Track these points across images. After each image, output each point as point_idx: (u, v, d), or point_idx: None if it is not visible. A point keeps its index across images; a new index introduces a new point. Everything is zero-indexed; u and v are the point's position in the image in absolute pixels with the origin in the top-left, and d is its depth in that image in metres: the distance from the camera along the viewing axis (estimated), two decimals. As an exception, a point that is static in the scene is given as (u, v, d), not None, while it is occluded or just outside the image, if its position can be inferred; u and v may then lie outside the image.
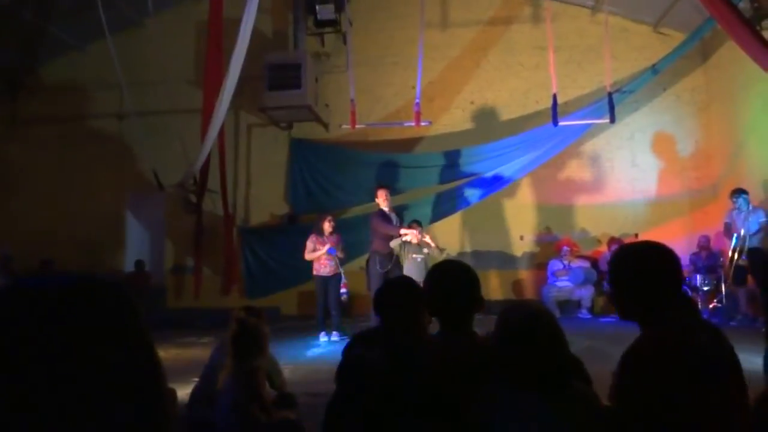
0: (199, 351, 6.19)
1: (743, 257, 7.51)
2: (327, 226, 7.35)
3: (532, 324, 1.74)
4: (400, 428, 2.13)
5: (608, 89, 7.86)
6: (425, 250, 6.75)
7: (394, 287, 2.54)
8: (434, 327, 2.39)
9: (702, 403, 1.57)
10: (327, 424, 2.48)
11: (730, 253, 7.73)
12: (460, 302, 2.11)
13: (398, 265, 6.91)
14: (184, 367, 5.24)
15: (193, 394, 3.48)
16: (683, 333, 1.68)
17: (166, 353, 6.62)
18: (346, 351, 2.51)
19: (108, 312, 0.72)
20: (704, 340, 1.67)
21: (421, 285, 2.36)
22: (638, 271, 1.78)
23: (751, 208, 7.62)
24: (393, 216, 7.14)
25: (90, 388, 0.68)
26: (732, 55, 8.59)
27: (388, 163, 9.70)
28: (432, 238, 7.11)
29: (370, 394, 2.29)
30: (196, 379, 3.67)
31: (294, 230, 9.78)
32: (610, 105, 7.73)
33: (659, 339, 1.67)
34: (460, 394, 1.95)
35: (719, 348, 1.68)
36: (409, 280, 2.64)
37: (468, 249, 9.76)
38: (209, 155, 8.78)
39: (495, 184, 9.16)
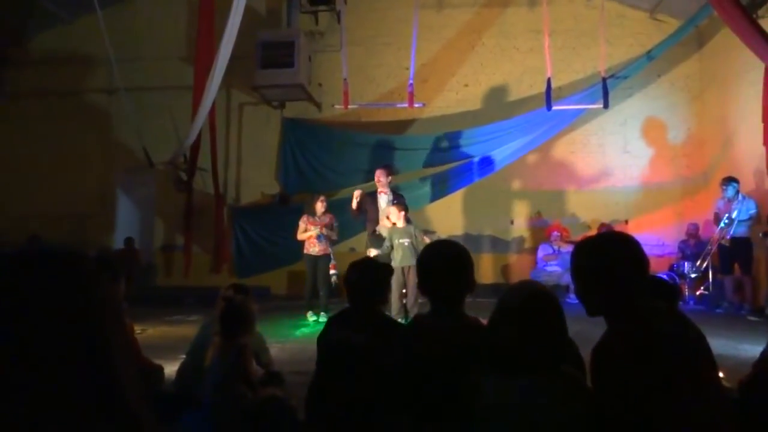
0: (187, 329, 6.18)
1: (728, 236, 7.56)
2: (319, 207, 7.34)
3: (532, 305, 1.73)
4: (386, 410, 2.14)
5: (602, 75, 7.83)
6: (407, 241, 6.55)
7: (357, 270, 2.58)
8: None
9: (674, 393, 1.57)
10: (309, 405, 2.49)
11: (717, 235, 7.79)
12: (452, 283, 2.11)
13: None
14: (173, 345, 5.24)
15: (180, 371, 3.48)
16: (649, 324, 1.67)
17: (154, 330, 6.62)
18: (325, 334, 2.54)
19: (56, 282, 0.74)
20: (671, 329, 1.66)
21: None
22: (600, 265, 1.75)
23: (741, 197, 7.66)
24: (385, 197, 7.07)
25: (31, 354, 0.69)
26: (727, 42, 8.58)
27: (380, 144, 9.66)
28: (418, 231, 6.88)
29: (356, 376, 2.30)
30: (184, 356, 3.67)
31: (285, 210, 9.76)
32: (604, 90, 7.71)
33: (626, 333, 1.66)
34: (449, 376, 1.95)
35: (686, 335, 1.68)
36: (371, 261, 2.68)
37: (459, 232, 9.76)
38: (200, 133, 8.71)
39: (487, 167, 9.14)
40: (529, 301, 1.75)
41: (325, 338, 2.52)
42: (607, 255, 1.76)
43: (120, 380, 0.75)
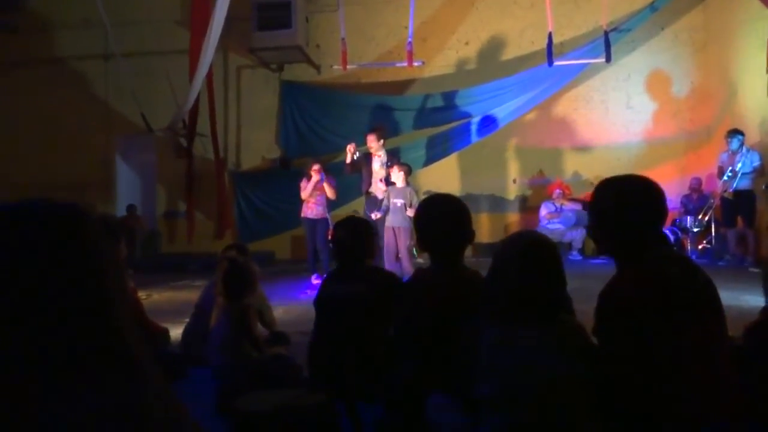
0: (192, 293, 6.20)
1: (731, 189, 7.54)
2: (313, 175, 7.18)
3: (531, 253, 1.73)
4: (389, 361, 2.16)
5: (605, 27, 7.68)
6: (399, 201, 6.51)
7: (343, 228, 2.61)
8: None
9: (681, 336, 1.57)
10: (311, 362, 2.52)
11: (720, 188, 7.76)
12: (450, 236, 2.10)
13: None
14: (178, 309, 5.30)
15: (186, 332, 3.52)
16: (658, 267, 1.67)
17: (159, 296, 6.68)
18: (322, 289, 2.55)
19: (53, 232, 0.75)
20: (678, 272, 1.67)
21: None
22: (623, 205, 1.73)
23: (746, 149, 7.60)
24: (378, 160, 7.01)
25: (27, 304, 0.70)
26: (732, -8, 8.40)
27: (380, 105, 9.55)
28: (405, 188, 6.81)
29: (353, 325, 2.33)
30: (188, 320, 3.71)
31: (286, 174, 9.72)
32: (606, 44, 7.57)
33: (636, 275, 1.66)
34: (450, 328, 1.96)
35: (694, 279, 1.68)
36: (354, 220, 2.70)
37: (460, 192, 9.73)
38: (198, 98, 8.62)
39: (489, 126, 9.05)
40: (528, 249, 1.74)
41: (319, 296, 2.55)
42: (628, 196, 1.74)
43: (121, 330, 0.76)
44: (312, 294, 6.38)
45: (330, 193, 7.19)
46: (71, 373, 0.70)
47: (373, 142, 6.98)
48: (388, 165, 6.88)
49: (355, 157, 6.94)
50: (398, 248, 6.30)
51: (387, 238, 6.39)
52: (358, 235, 2.53)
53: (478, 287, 2.02)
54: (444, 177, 9.53)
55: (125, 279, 0.81)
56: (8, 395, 0.67)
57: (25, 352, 0.69)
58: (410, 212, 6.19)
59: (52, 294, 0.71)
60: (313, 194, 7.20)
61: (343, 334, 2.31)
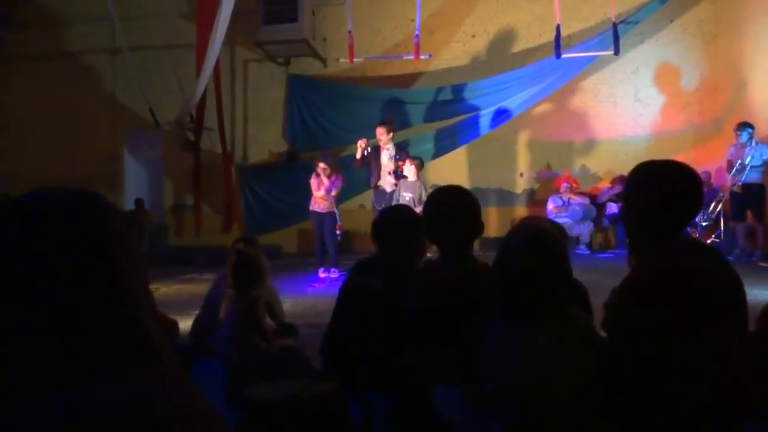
0: (200, 286, 6.26)
1: (740, 182, 7.49)
2: (320, 172, 7.18)
3: (534, 244, 1.71)
4: (397, 353, 2.16)
5: (613, 20, 7.63)
6: (408, 195, 6.52)
7: (391, 217, 2.52)
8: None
9: (701, 335, 1.54)
10: (324, 350, 2.52)
11: (729, 181, 7.71)
12: (459, 228, 2.09)
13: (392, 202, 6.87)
14: (187, 301, 5.33)
15: (195, 324, 3.54)
16: (687, 259, 1.64)
17: (168, 289, 6.72)
18: (347, 279, 2.52)
19: (72, 216, 0.75)
20: (706, 265, 1.63)
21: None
22: (668, 193, 1.66)
23: (754, 142, 7.54)
24: (387, 153, 7.01)
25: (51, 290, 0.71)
26: (742, -17, 8.32)
27: (387, 99, 9.54)
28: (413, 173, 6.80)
29: (369, 320, 2.32)
30: (197, 312, 3.73)
31: (293, 168, 9.73)
32: (614, 36, 7.53)
33: (663, 265, 1.62)
34: (457, 320, 1.96)
35: (722, 272, 1.64)
36: (405, 209, 2.63)
37: (468, 185, 9.70)
38: (205, 92, 8.63)
39: (496, 119, 9.02)
40: (531, 240, 1.72)
41: (344, 283, 2.52)
42: (672, 183, 1.68)
43: (143, 320, 0.76)
44: (319, 287, 6.42)
45: (334, 193, 7.23)
46: (95, 363, 0.71)
47: (382, 135, 6.99)
48: (397, 158, 6.89)
49: (366, 153, 6.94)
50: None
51: None
52: (399, 227, 2.42)
53: (487, 278, 2.02)
54: (451, 170, 9.50)
55: (146, 270, 0.82)
56: (33, 386, 0.67)
57: (48, 343, 0.70)
58: (419, 209, 6.20)
59: (74, 285, 0.72)
60: (321, 189, 7.23)
61: (363, 325, 2.29)
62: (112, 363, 0.71)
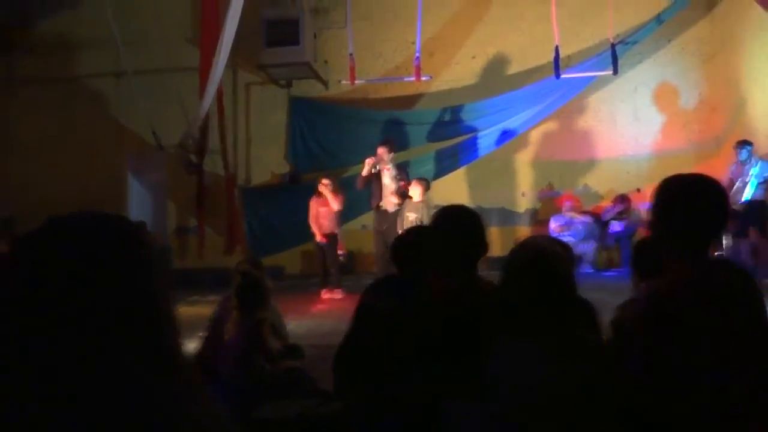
0: (203, 308, 6.22)
1: (740, 201, 7.50)
2: (322, 189, 7.30)
3: (535, 262, 1.72)
4: (406, 373, 2.15)
5: (611, 40, 7.72)
6: (413, 215, 6.55)
7: (409, 239, 2.52)
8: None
9: (725, 345, 1.51)
10: (337, 367, 2.50)
11: (730, 199, 7.72)
12: (464, 247, 2.11)
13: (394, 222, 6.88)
14: (191, 323, 5.29)
15: (200, 346, 3.53)
16: (716, 273, 1.62)
17: (171, 311, 6.69)
18: (361, 299, 2.51)
19: (108, 242, 0.80)
20: (731, 279, 1.60)
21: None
22: (694, 206, 1.64)
23: (755, 159, 7.57)
24: (388, 174, 7.04)
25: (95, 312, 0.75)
26: (738, 4, 8.41)
27: (388, 120, 9.61)
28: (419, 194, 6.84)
29: (380, 340, 2.31)
30: (202, 334, 3.72)
31: (296, 189, 9.76)
32: (613, 56, 7.62)
33: (693, 280, 1.60)
34: (464, 338, 1.97)
35: (747, 289, 1.61)
36: (423, 230, 2.63)
37: (469, 205, 9.70)
38: (208, 114, 8.71)
39: (497, 139, 9.09)
40: (533, 260, 1.73)
41: (360, 301, 2.50)
42: (711, 196, 1.68)
43: (170, 338, 0.79)
44: (323, 308, 6.40)
45: (336, 205, 7.25)
46: (124, 374, 0.74)
47: (384, 155, 7.03)
48: (399, 178, 6.93)
49: (373, 171, 6.97)
50: None
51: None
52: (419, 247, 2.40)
53: (492, 297, 2.03)
54: (453, 190, 9.52)
55: (172, 290, 0.86)
56: (63, 396, 0.69)
57: (82, 356, 0.73)
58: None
59: (112, 303, 0.76)
60: (322, 211, 7.28)
61: (379, 345, 2.27)
62: (139, 375, 0.75)
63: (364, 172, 7.02)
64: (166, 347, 0.78)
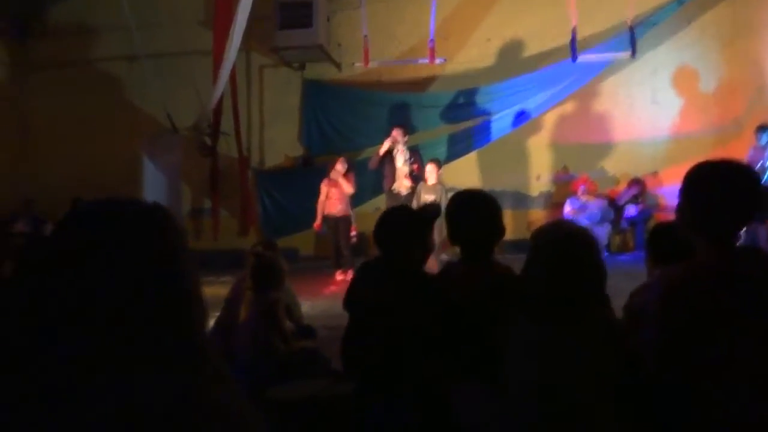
0: (218, 289, 6.27)
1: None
2: (339, 167, 7.38)
3: (567, 243, 1.70)
4: (417, 360, 2.16)
5: (629, 23, 7.59)
6: (431, 197, 6.58)
7: (389, 219, 2.48)
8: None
9: (745, 337, 1.49)
10: (345, 354, 2.52)
11: None
12: (481, 231, 2.11)
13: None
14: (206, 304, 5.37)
15: (215, 327, 3.57)
16: (745, 262, 1.59)
17: (187, 292, 6.77)
18: (352, 283, 2.51)
19: (143, 231, 0.82)
20: (758, 269, 1.57)
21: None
22: (726, 192, 1.61)
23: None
24: (401, 156, 7.04)
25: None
26: (761, -16, 8.23)
27: (402, 103, 9.56)
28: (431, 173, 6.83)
29: (386, 330, 2.31)
30: (217, 315, 3.76)
31: (309, 172, 9.77)
32: (631, 39, 7.50)
33: (713, 266, 1.58)
34: (479, 321, 1.97)
35: None
36: (403, 210, 2.56)
37: (482, 188, 9.67)
38: (222, 97, 8.72)
39: (511, 122, 9.01)
40: (561, 241, 1.72)
41: (353, 293, 2.48)
42: (747, 181, 1.66)
43: (197, 326, 0.81)
44: (336, 290, 6.44)
45: (350, 188, 7.28)
46: (152, 359, 0.76)
47: (399, 136, 7.03)
48: (412, 161, 6.92)
49: (391, 150, 6.96)
50: None
51: None
52: (404, 230, 2.34)
53: (509, 281, 2.03)
54: (466, 173, 9.49)
55: (199, 276, 0.87)
56: (93, 375, 0.71)
57: (112, 341, 0.74)
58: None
59: (143, 289, 0.77)
60: (333, 192, 7.30)
61: (379, 333, 2.27)
62: (166, 360, 0.76)
63: (382, 150, 7.03)
64: (191, 333, 0.79)
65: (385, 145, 7.00)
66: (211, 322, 3.80)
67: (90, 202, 0.84)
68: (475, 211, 2.13)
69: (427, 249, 2.32)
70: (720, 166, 1.71)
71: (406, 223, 2.33)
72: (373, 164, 7.23)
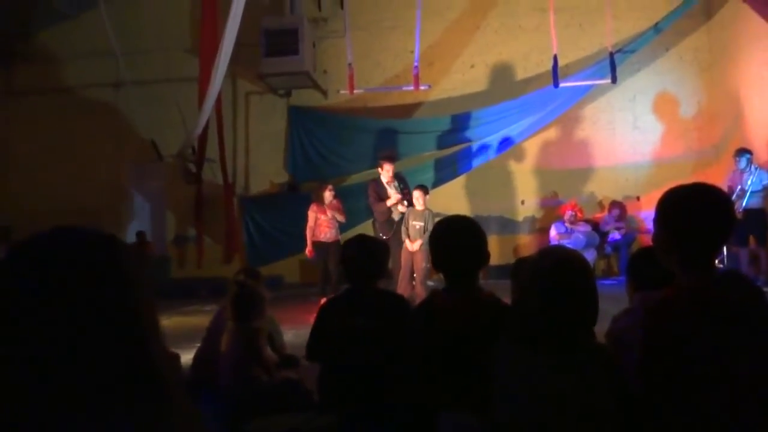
0: (202, 318, 6.22)
1: (740, 209, 7.48)
2: (327, 195, 7.40)
3: (564, 271, 1.68)
4: (398, 383, 2.14)
5: (610, 49, 7.74)
6: (419, 224, 6.59)
7: (353, 247, 2.53)
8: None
9: (728, 366, 1.47)
10: (321, 388, 2.48)
11: None
12: (465, 258, 2.10)
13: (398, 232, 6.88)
14: (188, 334, 5.28)
15: (197, 357, 3.52)
16: (720, 287, 1.56)
17: (170, 321, 6.68)
18: (326, 317, 2.50)
19: (91, 258, 0.78)
20: (740, 296, 1.55)
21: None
22: (697, 215, 1.59)
23: (753, 167, 7.57)
24: (391, 186, 7.06)
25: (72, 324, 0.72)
26: (735, 12, 8.45)
27: (387, 129, 9.63)
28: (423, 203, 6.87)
29: (362, 360, 2.29)
30: (199, 345, 3.70)
31: (294, 198, 9.76)
32: (611, 65, 7.63)
33: (694, 290, 1.55)
34: (464, 348, 1.95)
35: (757, 307, 1.55)
36: (364, 239, 2.62)
37: (469, 214, 9.70)
38: (207, 124, 8.72)
39: (496, 148, 9.10)
40: (556, 268, 1.69)
41: (326, 322, 2.48)
42: (720, 205, 1.64)
43: (154, 357, 0.77)
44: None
45: (341, 218, 7.31)
46: (105, 396, 0.72)
47: (390, 171, 7.08)
48: (402, 187, 6.98)
49: (399, 208, 6.95)
50: (415, 268, 6.35)
51: (404, 259, 6.44)
52: (369, 254, 2.46)
53: (493, 308, 2.01)
54: (452, 199, 9.53)
55: (156, 306, 0.84)
56: (45, 416, 0.68)
57: (63, 377, 0.71)
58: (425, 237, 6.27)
59: (90, 322, 0.74)
60: (324, 218, 7.30)
61: (354, 363, 2.26)
62: (122, 397, 0.73)
63: (397, 207, 6.95)
64: (149, 367, 0.76)
65: (400, 209, 6.92)
66: (194, 352, 3.75)
67: (31, 236, 0.81)
68: (458, 237, 2.12)
69: (382, 276, 2.46)
70: (690, 190, 1.69)
71: (365, 254, 2.41)
72: (378, 206, 7.15)
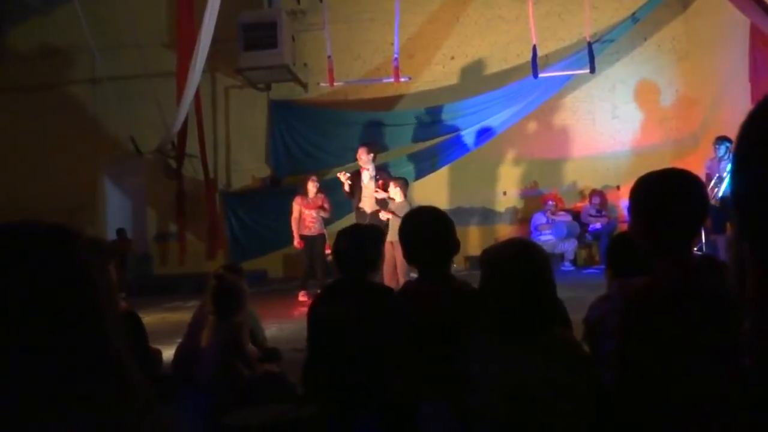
0: (184, 314, 6.16)
1: (717, 197, 7.57)
2: (311, 186, 7.39)
3: (518, 261, 1.71)
4: (377, 378, 2.14)
5: (588, 39, 7.78)
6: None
7: (347, 237, 2.51)
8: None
9: (707, 354, 1.47)
10: (305, 381, 2.47)
11: (708, 195, 7.81)
12: (435, 248, 2.11)
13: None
14: (171, 330, 5.26)
15: (178, 352, 3.49)
16: (697, 274, 1.58)
17: (152, 318, 6.63)
18: (315, 307, 2.49)
19: (47, 252, 0.75)
20: (717, 282, 1.54)
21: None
22: (669, 199, 1.60)
23: (731, 155, 7.65)
24: (366, 173, 7.03)
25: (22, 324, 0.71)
26: (711, 2, 8.52)
27: (368, 122, 9.60)
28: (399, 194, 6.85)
29: (348, 351, 2.29)
30: (180, 341, 3.68)
31: (277, 193, 9.73)
32: (590, 55, 7.67)
33: (670, 280, 1.56)
34: (439, 337, 1.96)
35: (731, 298, 1.51)
36: (360, 229, 2.62)
37: (450, 205, 9.73)
38: (186, 119, 8.64)
39: (477, 139, 9.11)
40: (517, 256, 1.73)
41: (315, 313, 2.48)
42: (693, 189, 1.64)
43: (113, 350, 0.76)
44: (303, 311, 6.37)
45: (326, 214, 7.31)
46: (65, 393, 0.70)
47: (363, 155, 7.02)
48: (377, 178, 6.92)
49: (349, 183, 6.95)
50: (396, 261, 6.33)
51: (387, 253, 6.42)
52: (361, 246, 2.41)
53: (467, 297, 2.03)
54: (433, 191, 9.54)
55: (117, 299, 0.82)
56: (3, 414, 0.66)
57: (19, 373, 0.69)
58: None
59: (44, 316, 0.71)
60: (310, 212, 7.29)
61: (340, 354, 2.26)
62: (85, 399, 0.71)
63: (346, 188, 6.99)
64: (114, 367, 0.75)
65: (346, 184, 6.93)
66: (174, 348, 3.72)
67: None
68: (425, 230, 2.13)
69: (376, 267, 2.44)
70: (660, 175, 1.70)
71: (356, 242, 2.39)
72: (349, 197, 7.18)
